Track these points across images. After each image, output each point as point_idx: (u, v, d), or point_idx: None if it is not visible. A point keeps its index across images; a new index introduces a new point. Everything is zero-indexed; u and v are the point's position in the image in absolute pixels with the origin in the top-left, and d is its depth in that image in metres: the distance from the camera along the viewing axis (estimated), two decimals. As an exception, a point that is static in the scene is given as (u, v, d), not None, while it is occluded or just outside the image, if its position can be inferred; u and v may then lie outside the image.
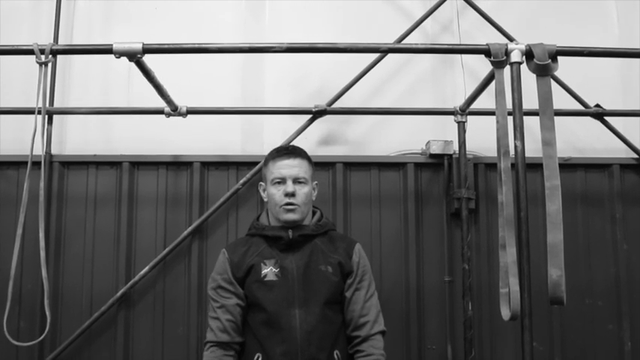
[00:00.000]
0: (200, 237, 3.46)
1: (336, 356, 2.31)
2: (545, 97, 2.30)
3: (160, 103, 3.17)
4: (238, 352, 2.37)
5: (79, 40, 3.77)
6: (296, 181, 2.39)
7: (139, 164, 3.54)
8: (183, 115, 3.34)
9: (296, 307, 2.31)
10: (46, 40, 3.58)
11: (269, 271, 2.35)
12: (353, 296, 2.39)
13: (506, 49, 2.38)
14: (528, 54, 2.37)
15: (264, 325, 2.32)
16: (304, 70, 3.74)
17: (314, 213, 2.52)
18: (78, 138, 3.66)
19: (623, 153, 3.68)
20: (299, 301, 2.32)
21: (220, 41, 2.66)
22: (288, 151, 2.46)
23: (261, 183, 2.52)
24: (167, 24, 3.78)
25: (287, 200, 2.36)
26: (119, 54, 2.40)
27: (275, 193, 2.40)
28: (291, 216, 2.38)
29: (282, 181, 2.39)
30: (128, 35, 3.63)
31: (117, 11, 3.81)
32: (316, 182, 2.52)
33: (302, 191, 2.39)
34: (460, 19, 3.82)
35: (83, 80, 3.73)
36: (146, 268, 3.34)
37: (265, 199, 2.49)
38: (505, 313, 2.25)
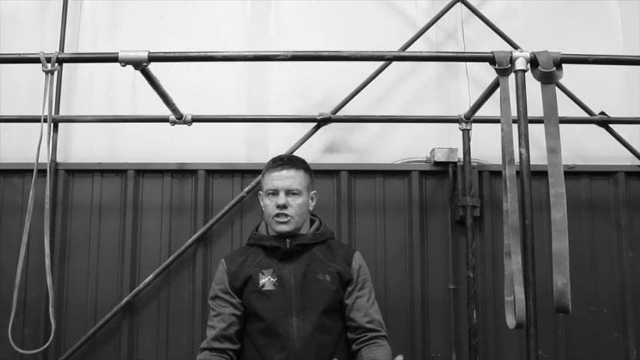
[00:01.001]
0: (205, 245, 3.46)
1: (334, 364, 2.31)
2: (550, 104, 2.29)
3: (165, 111, 3.18)
4: (232, 357, 2.37)
5: (85, 45, 3.79)
6: (289, 192, 2.39)
7: (144, 172, 3.54)
8: (188, 123, 3.34)
9: (293, 315, 2.32)
10: (51, 44, 3.64)
11: (267, 280, 2.37)
12: (355, 303, 2.39)
13: (511, 57, 2.38)
14: (533, 62, 2.37)
15: (263, 334, 2.34)
16: (309, 78, 3.74)
17: (312, 222, 2.53)
18: (83, 146, 3.67)
19: (628, 160, 3.67)
20: (296, 309, 2.32)
21: (226, 49, 2.66)
22: (282, 162, 2.45)
23: (260, 192, 2.53)
24: (172, 29, 3.79)
25: (278, 212, 2.37)
26: (125, 62, 2.41)
27: (268, 204, 2.41)
28: (283, 227, 2.39)
29: (275, 192, 2.40)
30: (134, 40, 3.69)
31: (123, 16, 3.82)
32: (315, 192, 2.52)
33: (295, 203, 2.39)
34: (465, 27, 3.83)
35: (88, 88, 3.74)
36: (151, 276, 3.34)
37: (263, 209, 2.50)
38: (510, 321, 2.25)
